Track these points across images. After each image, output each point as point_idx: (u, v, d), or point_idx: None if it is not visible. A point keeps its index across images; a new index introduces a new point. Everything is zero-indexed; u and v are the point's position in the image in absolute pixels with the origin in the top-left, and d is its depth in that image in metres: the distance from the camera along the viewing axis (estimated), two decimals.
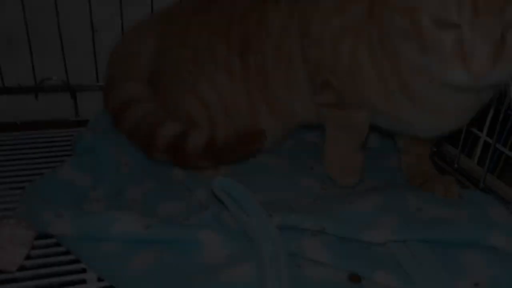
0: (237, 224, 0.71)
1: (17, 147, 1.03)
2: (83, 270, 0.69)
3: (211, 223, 0.74)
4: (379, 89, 0.70)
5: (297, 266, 0.67)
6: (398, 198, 0.78)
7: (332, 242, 0.70)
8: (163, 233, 0.70)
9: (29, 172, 0.93)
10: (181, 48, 0.90)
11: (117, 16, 1.11)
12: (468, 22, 0.52)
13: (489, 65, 0.53)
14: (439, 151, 0.98)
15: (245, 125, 0.86)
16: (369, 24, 0.69)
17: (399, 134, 0.89)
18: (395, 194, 0.79)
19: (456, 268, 0.67)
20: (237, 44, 0.86)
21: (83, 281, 0.67)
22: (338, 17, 0.73)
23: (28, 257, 0.69)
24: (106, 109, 0.95)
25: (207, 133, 0.83)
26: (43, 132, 1.09)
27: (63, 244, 0.72)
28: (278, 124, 0.90)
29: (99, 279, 0.67)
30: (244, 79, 0.86)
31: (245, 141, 0.81)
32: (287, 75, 0.84)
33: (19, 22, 1.06)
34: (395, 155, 1.01)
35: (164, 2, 1.13)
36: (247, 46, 0.85)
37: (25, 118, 1.14)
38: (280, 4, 0.84)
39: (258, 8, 0.86)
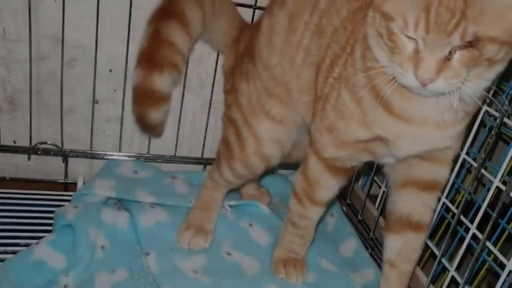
0: None
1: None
2: None
3: None
4: (359, 117, 0.78)
5: None
6: None
7: None
8: None
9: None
10: None
11: (119, 91, 1.15)
12: (421, 38, 0.63)
13: (432, 74, 0.63)
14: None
15: None
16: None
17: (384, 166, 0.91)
18: None
19: None
20: None
21: None
22: None
23: None
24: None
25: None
26: (30, 193, 1.11)
27: None
28: None
29: None
30: None
31: None
32: None
33: (24, 87, 1.10)
34: (364, 269, 1.03)
35: None
36: None
37: (15, 175, 1.18)
38: None
39: None
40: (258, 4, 1.12)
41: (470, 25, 0.60)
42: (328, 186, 0.87)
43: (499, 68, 0.67)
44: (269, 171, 1.09)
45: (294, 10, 0.89)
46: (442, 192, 0.90)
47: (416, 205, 0.87)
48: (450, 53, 0.62)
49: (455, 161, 0.92)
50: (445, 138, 0.76)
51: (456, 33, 0.60)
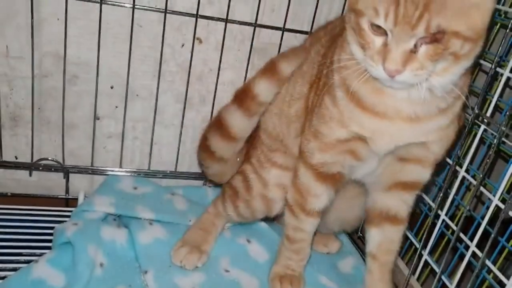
0: None
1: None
2: None
3: None
4: (337, 117, 0.82)
5: None
6: None
7: None
8: None
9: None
10: None
11: (120, 107, 1.16)
12: (389, 29, 0.67)
13: (398, 65, 0.67)
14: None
15: None
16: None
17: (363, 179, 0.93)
18: None
19: None
20: None
21: None
22: None
23: None
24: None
25: None
26: (31, 209, 1.12)
27: None
28: None
29: None
30: None
31: None
32: None
33: (26, 103, 1.11)
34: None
35: (165, 96, 1.19)
36: None
37: (16, 190, 1.18)
38: None
39: None
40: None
41: (434, 18, 0.64)
42: (318, 194, 0.91)
43: (465, 64, 0.71)
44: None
45: None
46: (422, 190, 0.93)
47: (394, 202, 0.92)
48: (416, 46, 0.66)
49: (440, 166, 0.94)
50: (419, 132, 0.79)
51: (420, 25, 0.64)
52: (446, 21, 0.64)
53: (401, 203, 0.91)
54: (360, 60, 0.74)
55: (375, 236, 0.95)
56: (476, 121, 0.93)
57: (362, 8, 0.70)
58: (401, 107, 0.76)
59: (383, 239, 0.94)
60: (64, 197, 1.20)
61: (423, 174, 0.87)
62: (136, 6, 1.06)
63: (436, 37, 0.65)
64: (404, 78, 0.68)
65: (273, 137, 1.02)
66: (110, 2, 1.04)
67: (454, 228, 0.95)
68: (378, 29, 0.68)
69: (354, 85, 0.77)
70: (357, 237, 1.21)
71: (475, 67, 0.98)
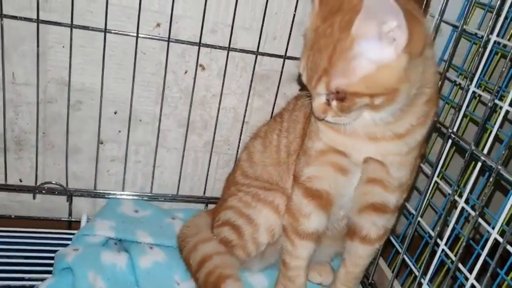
0: None
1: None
2: None
3: None
4: (317, 132, 0.88)
5: None
6: None
7: None
8: None
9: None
10: None
11: (124, 132, 1.18)
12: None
13: (319, 113, 0.78)
14: None
15: None
16: None
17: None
18: None
19: None
20: None
21: None
22: None
23: None
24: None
25: None
26: (34, 231, 1.13)
27: None
28: None
29: None
30: None
31: None
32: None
33: (31, 128, 1.13)
34: None
35: (168, 121, 1.20)
36: None
37: (20, 213, 1.20)
38: None
39: None
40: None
41: (333, 81, 0.73)
42: (308, 213, 0.93)
43: (393, 107, 0.75)
44: None
45: (265, 134, 1.07)
46: (393, 215, 0.96)
47: (366, 224, 0.95)
48: (328, 100, 0.76)
49: (412, 189, 1.01)
50: (376, 151, 0.84)
51: (319, 86, 0.74)
52: (345, 83, 0.72)
53: (371, 226, 0.94)
54: None
55: (347, 247, 0.99)
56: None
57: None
58: (359, 126, 0.82)
59: (353, 253, 0.99)
60: (67, 219, 1.21)
61: (388, 197, 0.91)
62: (140, 35, 1.08)
63: (339, 96, 0.74)
64: (329, 120, 0.79)
65: (268, 181, 1.04)
66: (113, 31, 1.06)
67: (453, 258, 0.95)
68: None
69: None
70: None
71: (439, 97, 0.98)
